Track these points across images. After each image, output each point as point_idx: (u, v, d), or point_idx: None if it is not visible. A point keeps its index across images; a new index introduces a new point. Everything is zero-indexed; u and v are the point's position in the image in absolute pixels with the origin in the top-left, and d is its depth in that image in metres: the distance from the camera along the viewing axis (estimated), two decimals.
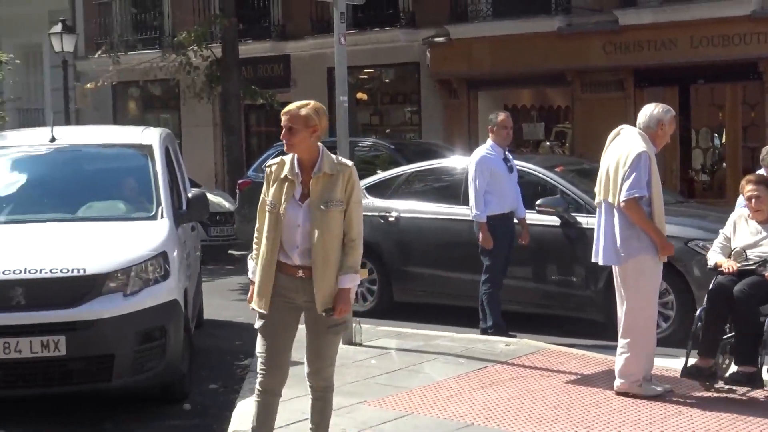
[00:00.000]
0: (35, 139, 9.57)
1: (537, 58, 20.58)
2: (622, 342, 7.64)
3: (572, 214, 10.63)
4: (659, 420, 7.03)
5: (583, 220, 10.42)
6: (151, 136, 9.56)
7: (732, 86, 20.58)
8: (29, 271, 7.34)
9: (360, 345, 9.53)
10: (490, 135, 10.49)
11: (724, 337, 7.74)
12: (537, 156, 18.18)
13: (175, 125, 26.23)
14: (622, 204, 7.46)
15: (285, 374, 5.84)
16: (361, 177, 13.21)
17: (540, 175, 11.20)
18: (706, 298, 7.78)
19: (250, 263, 5.97)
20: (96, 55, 25.08)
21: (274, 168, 5.78)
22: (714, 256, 7.99)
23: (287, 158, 5.75)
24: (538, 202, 10.70)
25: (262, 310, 5.75)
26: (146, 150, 9.20)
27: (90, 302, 7.34)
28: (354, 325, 9.63)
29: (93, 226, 8.30)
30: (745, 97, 20.54)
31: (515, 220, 10.46)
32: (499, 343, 9.66)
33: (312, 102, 5.85)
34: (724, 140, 21.29)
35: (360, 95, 24.53)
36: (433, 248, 11.58)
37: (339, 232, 5.68)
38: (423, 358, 9.07)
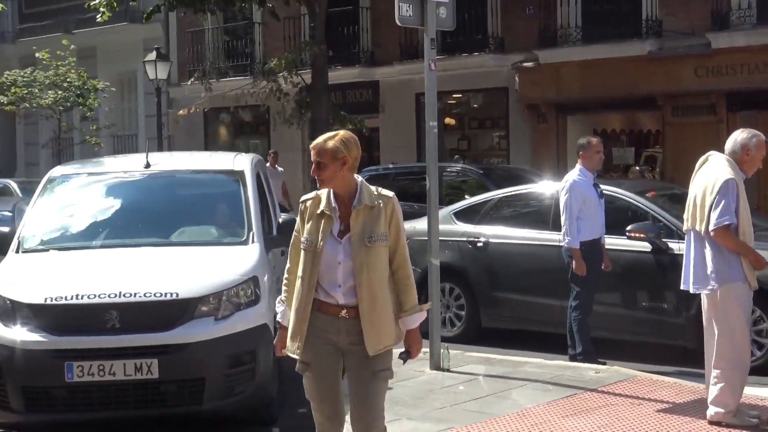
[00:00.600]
0: (130, 165, 9.75)
1: (627, 82, 20.42)
2: (714, 371, 7.51)
3: (663, 239, 10.50)
4: None
5: (675, 245, 10.28)
6: (242, 162, 9.67)
7: None
8: (124, 295, 7.48)
9: (448, 371, 9.52)
10: (579, 160, 10.43)
11: None
12: (627, 181, 18.00)
13: (264, 150, 26.53)
14: (711, 232, 7.35)
15: (341, 420, 5.53)
16: (449, 202, 13.37)
17: (630, 200, 11.10)
18: None
19: (279, 307, 5.63)
20: (188, 82, 25.55)
21: (309, 203, 5.48)
22: None
23: (322, 193, 5.45)
24: (628, 228, 10.59)
25: (295, 355, 5.43)
26: (238, 176, 9.31)
27: (182, 326, 7.45)
28: (442, 350, 9.64)
29: (186, 251, 8.42)
30: None
31: None
32: (589, 370, 9.57)
33: (341, 132, 5.49)
34: None
35: (448, 120, 24.57)
36: (521, 274, 11.53)
37: (385, 268, 5.40)
38: (511, 384, 9.03)
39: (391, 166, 19.07)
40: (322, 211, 5.40)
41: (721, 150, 7.71)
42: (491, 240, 11.81)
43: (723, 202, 7.31)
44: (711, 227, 7.35)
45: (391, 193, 5.48)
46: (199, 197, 9.57)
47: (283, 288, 5.59)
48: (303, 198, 5.55)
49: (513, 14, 22.60)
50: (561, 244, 10.27)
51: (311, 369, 5.43)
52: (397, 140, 24.32)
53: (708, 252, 7.45)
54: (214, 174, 9.63)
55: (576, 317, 10.10)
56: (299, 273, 5.41)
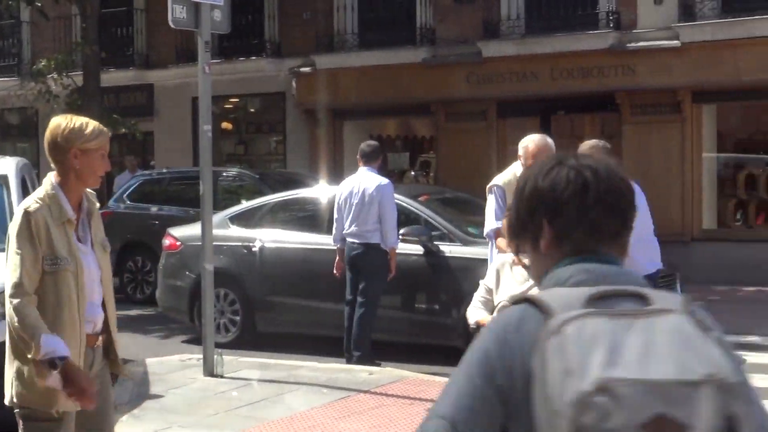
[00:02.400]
0: None
1: (402, 88, 20.77)
2: None
3: (435, 242, 10.71)
4: None
5: (447, 248, 10.51)
6: (6, 165, 9.31)
7: (591, 117, 21.09)
8: None
9: (222, 377, 9.42)
10: (371, 163, 10.51)
11: None
12: (401, 185, 18.30)
13: (32, 154, 25.55)
14: (486, 238, 7.64)
15: None
16: (225, 207, 13.25)
17: (404, 203, 11.27)
18: None
19: (48, 340, 4.11)
20: None
21: (44, 212, 4.31)
22: (475, 313, 6.63)
23: (52, 196, 4.38)
24: (401, 231, 10.75)
25: (74, 409, 4.33)
26: (1, 180, 8.95)
27: None
28: (216, 356, 9.53)
29: None
30: (603, 128, 21.06)
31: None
32: (362, 372, 9.66)
33: None
34: None
35: (225, 125, 24.38)
36: (296, 278, 11.53)
37: None
38: (285, 388, 9.01)
39: (165, 170, 18.77)
40: (68, 218, 4.40)
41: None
42: (266, 244, 11.76)
43: (488, 208, 7.59)
44: (484, 233, 7.66)
45: (94, 193, 4.71)
46: None
47: (20, 329, 4.19)
48: (31, 208, 4.33)
49: (290, 19, 22.63)
50: (386, 246, 10.21)
51: (64, 424, 4.38)
52: (173, 144, 23.95)
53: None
54: None
55: (368, 319, 10.16)
56: (58, 302, 4.30)
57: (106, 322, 4.58)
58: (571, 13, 19.60)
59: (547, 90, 19.52)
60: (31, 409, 4.33)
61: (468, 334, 9.51)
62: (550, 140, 7.69)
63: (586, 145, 7.56)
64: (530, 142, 7.57)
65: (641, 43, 18.66)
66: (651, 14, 18.73)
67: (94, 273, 4.48)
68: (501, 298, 6.59)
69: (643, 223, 7.47)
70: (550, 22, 19.70)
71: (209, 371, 9.45)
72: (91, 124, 4.51)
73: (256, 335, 11.75)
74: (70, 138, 4.41)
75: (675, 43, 18.23)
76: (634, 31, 18.88)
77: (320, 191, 12.41)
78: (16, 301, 4.21)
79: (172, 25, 9.71)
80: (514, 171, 7.68)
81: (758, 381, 8.63)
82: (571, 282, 2.04)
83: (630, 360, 1.81)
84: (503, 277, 6.71)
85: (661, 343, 1.84)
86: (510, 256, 6.64)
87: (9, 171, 9.11)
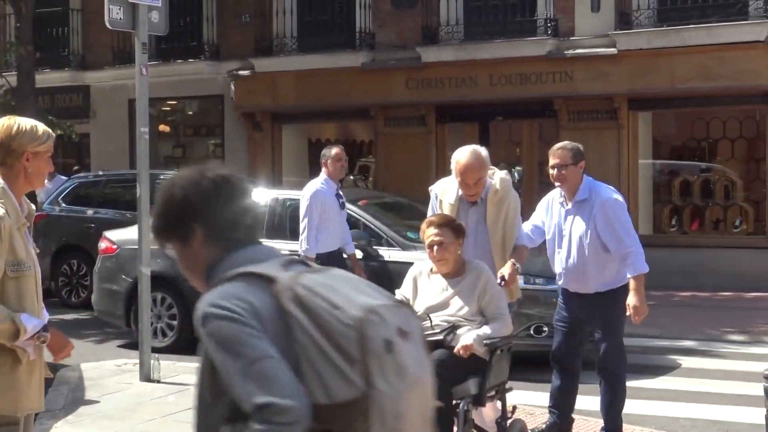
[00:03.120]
0: None
1: (341, 92, 20.76)
2: None
3: (374, 246, 10.71)
4: None
5: (385, 253, 10.51)
6: None
7: (529, 123, 21.23)
8: None
9: (158, 382, 9.33)
10: (324, 169, 10.48)
11: None
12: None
13: None
14: None
15: None
16: None
17: None
18: None
19: (27, 317, 4.19)
20: None
21: (7, 218, 4.16)
22: None
23: (8, 199, 4.24)
24: None
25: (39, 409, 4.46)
26: None
27: None
28: (152, 361, 9.44)
29: None
30: (541, 133, 21.21)
31: (344, 256, 10.42)
32: None
33: None
34: (521, 175, 21.97)
35: (162, 127, 24.19)
36: None
37: None
38: None
39: (101, 173, 18.58)
40: (24, 221, 4.30)
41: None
42: None
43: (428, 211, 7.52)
44: None
45: None
46: None
47: (6, 312, 4.14)
48: (1, 213, 4.17)
49: (229, 22, 22.52)
50: (301, 253, 10.19)
51: (18, 428, 4.32)
52: (109, 147, 23.72)
53: None
54: None
55: None
56: (22, 309, 4.21)
57: None
58: (510, 20, 19.76)
59: (486, 95, 19.63)
60: None
61: None
62: (483, 154, 7.19)
63: (556, 146, 7.61)
64: (461, 157, 7.05)
65: (578, 50, 18.86)
66: (588, 22, 18.92)
67: (39, 275, 4.40)
68: (419, 308, 6.30)
69: (611, 242, 7.36)
70: (488, 28, 19.84)
71: (146, 376, 9.36)
72: (40, 127, 4.42)
73: (194, 340, 11.61)
74: (24, 142, 4.31)
75: (612, 50, 18.45)
76: (572, 38, 19.07)
77: (259, 195, 12.33)
78: None
79: (109, 26, 9.62)
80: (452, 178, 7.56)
81: (694, 385, 8.67)
82: (256, 260, 2.54)
83: (363, 294, 2.45)
84: (420, 285, 6.48)
85: (357, 284, 2.51)
86: (428, 264, 6.42)
87: None
